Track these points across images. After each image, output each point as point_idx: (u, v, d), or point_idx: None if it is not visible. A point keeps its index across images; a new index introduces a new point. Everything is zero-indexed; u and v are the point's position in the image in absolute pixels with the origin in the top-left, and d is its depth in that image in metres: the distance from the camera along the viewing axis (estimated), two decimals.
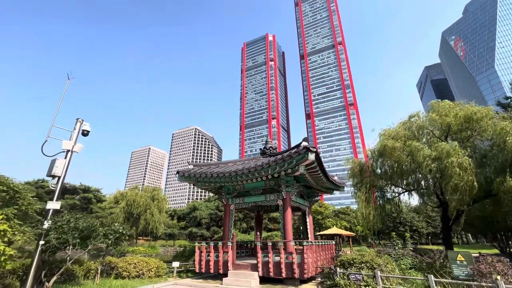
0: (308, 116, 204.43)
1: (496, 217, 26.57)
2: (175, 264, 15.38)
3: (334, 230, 44.36)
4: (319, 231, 58.10)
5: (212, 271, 13.34)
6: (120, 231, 10.38)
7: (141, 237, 71.35)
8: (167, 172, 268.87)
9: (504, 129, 18.18)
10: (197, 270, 14.03)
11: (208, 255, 13.77)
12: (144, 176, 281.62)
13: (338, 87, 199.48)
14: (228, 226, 14.90)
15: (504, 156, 19.65)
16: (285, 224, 13.10)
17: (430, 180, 19.67)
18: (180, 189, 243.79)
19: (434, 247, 35.77)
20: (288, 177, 13.77)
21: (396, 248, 12.34)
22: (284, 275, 11.37)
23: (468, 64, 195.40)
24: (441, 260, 9.62)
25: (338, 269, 9.77)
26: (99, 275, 10.97)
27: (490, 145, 23.14)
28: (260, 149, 17.51)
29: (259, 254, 12.19)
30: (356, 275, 9.10)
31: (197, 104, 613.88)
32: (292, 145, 13.40)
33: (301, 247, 11.51)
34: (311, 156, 11.39)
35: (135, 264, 13.08)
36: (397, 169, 21.63)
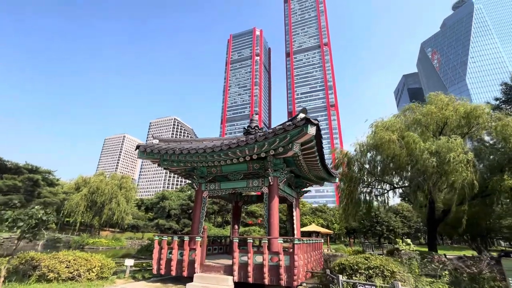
0: (290, 114, 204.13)
1: (478, 219, 26.00)
2: (128, 262, 12.25)
3: (313, 227, 42.78)
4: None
5: (174, 273, 10.43)
6: (39, 216, 7.16)
7: (106, 229, 65.82)
8: (142, 162, 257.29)
9: (508, 125, 16.98)
10: (154, 271, 11.04)
11: (171, 253, 10.82)
12: (117, 165, 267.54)
13: (321, 88, 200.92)
14: (199, 218, 12.02)
15: (502, 154, 18.60)
16: (270, 217, 10.48)
17: (426, 176, 18.14)
18: (155, 180, 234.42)
19: (416, 248, 35.18)
20: (276, 160, 11.15)
21: (404, 250, 10.17)
22: (267, 281, 8.78)
23: (442, 75, 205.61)
24: (487, 270, 7.44)
25: (340, 276, 7.34)
26: (2, 279, 7.65)
27: (480, 144, 22.22)
28: (244, 128, 14.75)
29: (236, 254, 9.48)
30: (367, 287, 6.72)
31: (178, 93, 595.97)
32: None
33: (291, 246, 8.97)
34: (311, 130, 8.82)
35: (68, 262, 9.80)
36: (390, 164, 19.94)
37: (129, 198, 49.80)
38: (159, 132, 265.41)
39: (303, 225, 54.92)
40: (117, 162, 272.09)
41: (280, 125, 9.59)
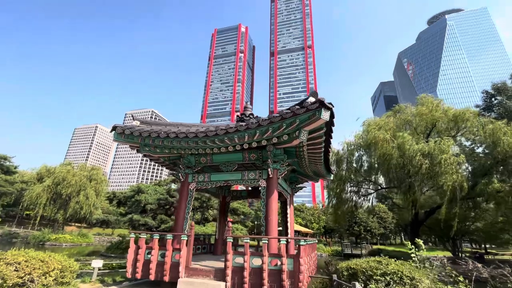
0: (272, 113, 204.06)
1: (456, 221, 26.64)
2: (96, 263, 10.39)
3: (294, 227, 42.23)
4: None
5: (152, 277, 8.83)
6: None
7: (72, 223, 60.85)
8: (115, 155, 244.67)
9: (499, 129, 17.18)
10: (129, 274, 9.33)
11: (149, 253, 9.19)
12: (87, 157, 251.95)
13: (303, 89, 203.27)
14: (184, 213, 10.48)
15: (487, 158, 18.92)
16: (268, 214, 9.23)
17: (417, 177, 17.95)
18: (128, 174, 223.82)
19: (396, 248, 36.05)
20: (277, 150, 9.92)
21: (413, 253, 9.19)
22: None
23: (416, 85, 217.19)
24: None
25: (357, 284, 6.28)
26: None
27: (462, 147, 22.66)
28: (238, 116, 13.34)
29: (230, 256, 8.11)
30: None
31: (157, 84, 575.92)
32: None
33: (295, 247, 7.78)
34: (325, 115, 7.68)
35: (18, 264, 7.84)
36: (383, 163, 19.50)
37: (100, 191, 46.03)
38: None
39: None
40: (88, 154, 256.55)
41: (288, 108, 8.36)
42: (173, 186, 48.49)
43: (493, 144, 17.28)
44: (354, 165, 23.65)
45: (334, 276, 7.84)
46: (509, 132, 16.43)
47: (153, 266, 8.90)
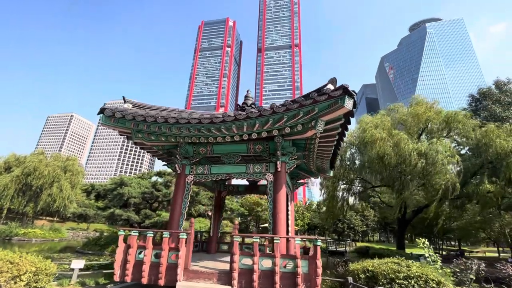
0: None
1: (441, 220, 27.41)
2: (76, 264, 9.11)
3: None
4: (260, 224, 55.66)
5: (145, 280, 7.77)
6: None
7: (43, 217, 56.77)
8: (91, 146, 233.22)
9: (491, 132, 17.47)
10: (117, 277, 8.19)
11: (141, 253, 8.12)
12: (61, 147, 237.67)
13: (289, 87, 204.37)
14: (181, 208, 9.45)
15: (479, 159, 19.34)
16: (276, 211, 8.46)
17: (411, 176, 17.96)
18: (105, 167, 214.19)
19: (383, 246, 36.77)
20: (286, 141, 9.16)
21: (425, 253, 8.84)
22: None
23: (396, 88, 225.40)
24: None
25: None
26: None
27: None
28: (237, 104, 12.40)
29: (236, 257, 7.25)
30: None
31: (138, 76, 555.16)
32: None
33: (312, 247, 7.08)
34: (348, 104, 6.99)
35: None
36: (379, 162, 19.34)
37: (75, 183, 43.02)
38: None
39: (266, 220, 54.09)
40: (61, 145, 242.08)
41: (306, 95, 7.58)
42: (159, 179, 46.43)
43: (485, 145, 17.59)
44: (347, 163, 23.51)
45: (350, 279, 7.25)
46: (502, 135, 16.79)
47: (146, 267, 7.83)
